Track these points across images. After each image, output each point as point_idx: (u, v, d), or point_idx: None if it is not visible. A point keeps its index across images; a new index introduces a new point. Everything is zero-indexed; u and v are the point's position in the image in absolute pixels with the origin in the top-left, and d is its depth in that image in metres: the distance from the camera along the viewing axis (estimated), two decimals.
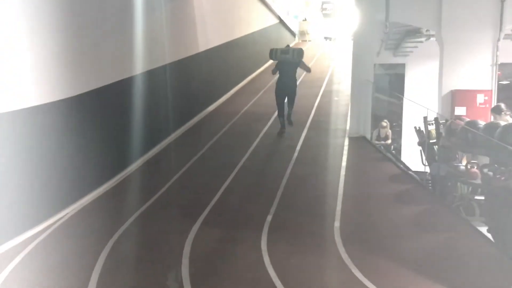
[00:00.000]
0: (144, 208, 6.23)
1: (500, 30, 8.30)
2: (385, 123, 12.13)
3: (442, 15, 8.54)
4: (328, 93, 13.35)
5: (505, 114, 6.91)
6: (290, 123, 9.56)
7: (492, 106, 8.41)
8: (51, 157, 5.73)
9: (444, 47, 8.64)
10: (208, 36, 11.46)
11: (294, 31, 26.51)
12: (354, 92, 9.33)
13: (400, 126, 14.88)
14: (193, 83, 10.60)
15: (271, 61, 18.86)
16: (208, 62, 11.44)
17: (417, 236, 5.36)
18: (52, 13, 5.62)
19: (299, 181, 7.17)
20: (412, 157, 9.76)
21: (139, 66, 7.81)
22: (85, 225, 5.77)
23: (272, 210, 6.10)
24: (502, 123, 6.80)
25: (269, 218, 5.86)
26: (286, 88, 9.35)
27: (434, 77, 13.36)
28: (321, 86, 14.24)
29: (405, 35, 11.10)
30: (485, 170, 6.43)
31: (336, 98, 12.67)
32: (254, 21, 16.57)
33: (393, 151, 12.32)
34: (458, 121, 7.04)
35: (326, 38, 30.76)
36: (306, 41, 27.72)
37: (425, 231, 5.50)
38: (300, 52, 9.33)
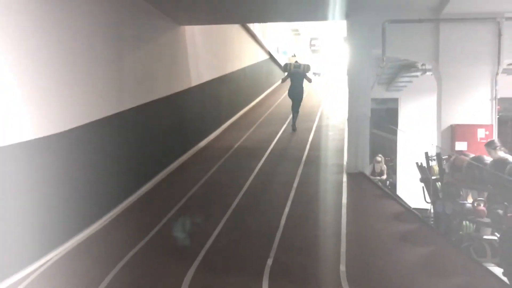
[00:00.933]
0: (135, 251, 5.79)
1: (498, 64, 8.21)
2: (379, 158, 11.93)
3: (439, 50, 8.46)
4: (321, 128, 13.12)
5: (499, 149, 6.85)
6: (295, 129, 12.53)
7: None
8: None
9: (442, 82, 8.50)
10: (200, 70, 11.27)
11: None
12: (351, 127, 9.10)
13: (394, 161, 14.76)
14: (185, 118, 10.31)
15: (262, 96, 18.97)
16: (200, 96, 11.20)
17: (430, 281, 5.00)
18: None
19: (299, 220, 6.80)
20: (410, 193, 9.51)
21: (128, 100, 7.52)
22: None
23: (272, 253, 5.72)
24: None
25: (270, 262, 5.47)
26: (296, 93, 12.65)
27: (429, 112, 13.38)
28: (314, 121, 14.02)
29: (399, 70, 11.02)
30: (496, 209, 6.16)
31: (330, 133, 12.43)
32: (245, 56, 16.52)
33: (389, 187, 12.06)
34: (462, 156, 6.79)
35: (314, 73, 31.08)
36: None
37: (438, 275, 5.14)
38: (308, 67, 12.75)
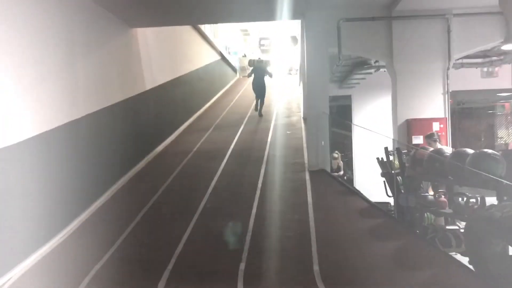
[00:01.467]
0: (99, 267, 5.50)
1: (449, 59, 8.51)
2: (336, 154, 12.08)
3: (393, 47, 8.67)
4: (279, 127, 13.14)
5: (435, 141, 7.64)
6: (261, 115, 14.57)
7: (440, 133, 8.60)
8: None
9: (397, 78, 8.72)
10: (154, 73, 10.97)
11: (235, 67, 26.53)
12: (310, 125, 9.17)
13: (349, 156, 15.04)
14: (140, 123, 10.00)
15: (216, 97, 18.81)
16: (154, 100, 10.91)
17: (402, 274, 5.08)
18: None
19: (267, 221, 6.74)
20: (367, 187, 9.66)
21: (81, 108, 7.16)
22: None
23: (244, 256, 5.61)
24: (447, 148, 7.16)
25: (242, 266, 5.37)
26: (259, 85, 14.71)
27: (383, 107, 13.73)
28: (270, 121, 14.03)
29: (353, 67, 11.21)
30: (459, 199, 6.37)
31: (288, 132, 12.47)
32: (198, 57, 16.30)
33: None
34: (422, 150, 6.96)
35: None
36: (247, 76, 27.80)
37: (409, 268, 5.25)
38: (268, 62, 15.43)
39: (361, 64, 10.98)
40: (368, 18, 8.57)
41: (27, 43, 5.77)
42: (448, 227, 6.57)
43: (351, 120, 14.38)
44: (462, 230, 6.33)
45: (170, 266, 5.42)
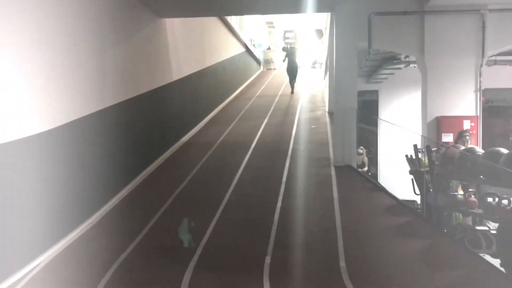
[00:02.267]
0: (125, 255, 5.57)
1: (483, 56, 8.29)
2: (361, 150, 11.96)
3: (424, 42, 8.48)
4: (303, 120, 13.07)
5: (467, 140, 7.42)
6: (292, 92, 17.78)
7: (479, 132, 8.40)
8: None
9: (427, 74, 8.53)
10: (181, 64, 11.01)
11: (259, 59, 26.46)
12: (337, 119, 9.05)
13: (374, 152, 14.85)
14: (167, 113, 10.06)
15: (240, 89, 18.80)
16: (181, 91, 10.96)
17: (430, 274, 4.98)
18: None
19: (293, 215, 6.71)
20: (392, 184, 9.51)
21: (111, 97, 7.23)
22: None
23: (269, 250, 5.60)
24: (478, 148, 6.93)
25: (268, 260, 5.35)
26: (292, 68, 17.94)
27: (411, 103, 13.53)
28: (295, 114, 13.97)
29: (382, 62, 11.03)
30: (489, 199, 6.21)
31: (313, 126, 12.39)
32: (224, 49, 16.29)
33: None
34: (453, 148, 6.82)
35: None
36: (271, 69, 27.73)
37: (438, 268, 5.13)
38: (298, 49, 20.13)
39: (390, 59, 10.78)
40: (400, 12, 8.39)
41: (60, 32, 5.82)
42: (477, 228, 6.42)
43: (377, 116, 14.18)
44: (492, 231, 6.18)
45: (196, 257, 5.44)
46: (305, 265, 5.27)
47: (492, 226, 6.46)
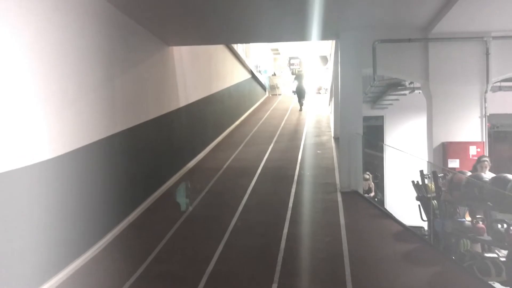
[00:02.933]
0: (133, 280, 5.55)
1: (487, 82, 8.35)
2: (367, 175, 11.92)
3: (429, 68, 8.57)
4: (309, 146, 13.11)
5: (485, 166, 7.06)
6: (301, 109, 20.35)
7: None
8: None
9: (432, 100, 8.59)
10: (188, 90, 11.15)
11: (265, 85, 26.71)
12: (343, 145, 9.08)
13: (380, 178, 14.80)
14: (173, 139, 10.14)
15: (245, 115, 18.92)
16: (188, 117, 11.07)
17: None
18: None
19: (299, 242, 6.67)
20: (398, 210, 9.46)
21: (118, 123, 7.32)
22: None
23: (276, 277, 5.56)
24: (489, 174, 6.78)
25: (275, 287, 5.32)
26: (301, 89, 20.51)
27: (416, 129, 13.57)
28: (300, 139, 14.02)
29: (387, 88, 11.12)
30: (498, 226, 6.17)
31: (319, 151, 12.41)
32: (229, 75, 16.49)
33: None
34: (460, 174, 6.80)
35: (294, 92, 31.42)
36: (276, 94, 27.97)
37: None
38: (304, 73, 22.47)
39: (395, 85, 10.88)
40: (404, 40, 8.51)
41: (71, 58, 5.95)
42: (486, 255, 6.35)
43: (383, 141, 14.20)
44: (502, 259, 6.11)
45: (202, 284, 5.41)
46: None
47: (501, 253, 6.41)
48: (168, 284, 5.59)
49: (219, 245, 6.58)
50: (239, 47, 18.00)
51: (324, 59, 34.01)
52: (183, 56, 10.86)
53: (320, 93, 31.22)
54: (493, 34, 8.30)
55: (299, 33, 9.10)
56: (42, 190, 5.25)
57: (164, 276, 5.79)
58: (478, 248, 6.87)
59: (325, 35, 9.65)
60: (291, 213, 7.80)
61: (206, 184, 9.73)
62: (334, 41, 13.12)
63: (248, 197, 8.74)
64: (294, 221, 7.48)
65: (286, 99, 25.22)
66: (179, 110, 10.41)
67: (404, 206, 9.07)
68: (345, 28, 8.79)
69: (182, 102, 10.70)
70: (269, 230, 7.21)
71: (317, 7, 7.64)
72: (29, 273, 5.01)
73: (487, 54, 8.34)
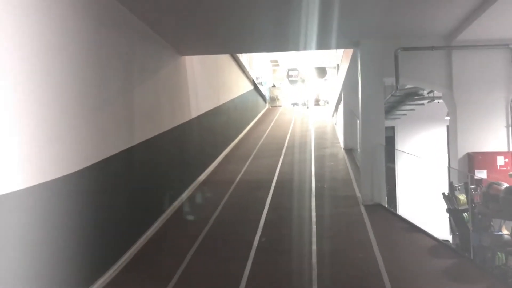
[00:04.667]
0: None
1: None
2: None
3: (453, 77, 8.35)
4: (320, 158, 12.82)
5: None
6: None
7: None
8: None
9: (456, 109, 8.35)
10: (199, 101, 10.86)
11: (266, 97, 26.50)
12: (365, 157, 8.79)
13: (390, 190, 14.50)
14: (186, 151, 9.80)
15: (249, 126, 18.60)
16: (199, 128, 10.74)
17: None
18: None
19: (332, 259, 6.32)
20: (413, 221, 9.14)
21: (136, 135, 6.99)
22: None
23: None
24: None
25: None
26: None
27: (429, 140, 13.36)
28: (310, 151, 13.74)
29: (404, 98, 10.89)
30: None
31: (331, 163, 12.12)
32: (235, 87, 16.24)
33: None
34: (496, 185, 6.52)
35: (293, 104, 31.42)
36: (276, 106, 27.77)
37: None
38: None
39: (412, 95, 10.65)
40: (427, 48, 8.29)
41: (92, 68, 5.62)
42: None
43: (394, 152, 13.93)
44: None
45: None
46: None
47: None
48: None
49: (245, 266, 6.17)
50: (243, 58, 17.78)
51: (322, 70, 33.97)
52: (194, 66, 10.57)
53: (319, 105, 31.11)
54: None
55: (319, 41, 8.82)
56: (56, 207, 4.88)
57: None
58: None
59: (344, 44, 9.45)
60: (317, 228, 7.45)
61: (221, 198, 9.35)
62: (343, 51, 12.89)
63: (267, 212, 8.39)
64: (321, 236, 7.14)
65: (286, 111, 25.02)
66: (191, 121, 10.10)
67: (418, 216, 8.71)
68: (365, 36, 8.57)
69: (194, 113, 10.39)
70: (297, 246, 6.86)
71: (336, 16, 7.40)
72: None
73: None
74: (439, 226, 8.42)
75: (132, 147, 6.82)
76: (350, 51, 10.51)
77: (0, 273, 3.84)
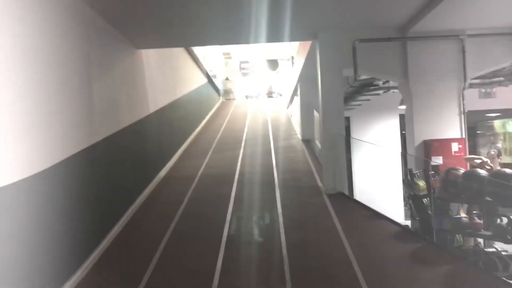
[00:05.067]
0: None
1: (465, 80, 8.50)
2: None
3: (408, 68, 8.61)
4: (279, 150, 12.91)
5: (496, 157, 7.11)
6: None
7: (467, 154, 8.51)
8: None
9: (412, 98, 8.63)
10: (156, 96, 10.61)
11: (220, 90, 26.32)
12: (326, 147, 8.93)
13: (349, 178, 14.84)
14: (145, 147, 9.56)
15: (205, 120, 18.44)
16: (156, 124, 10.51)
17: None
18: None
19: (301, 249, 6.40)
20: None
21: (97, 132, 6.74)
22: None
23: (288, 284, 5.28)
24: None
25: None
26: None
27: (385, 129, 13.79)
28: (269, 143, 13.80)
29: (361, 88, 11.13)
30: (496, 221, 6.22)
31: (292, 155, 12.24)
32: (190, 80, 16.01)
33: None
34: (455, 171, 6.81)
35: (247, 96, 31.52)
36: (231, 99, 27.66)
37: None
38: None
39: (368, 85, 10.90)
40: (384, 39, 8.50)
41: (51, 65, 5.35)
42: (487, 250, 6.40)
43: (349, 141, 14.25)
44: (503, 253, 6.17)
45: None
46: None
47: (500, 247, 6.47)
48: None
49: (217, 258, 6.15)
50: (197, 51, 17.52)
51: (274, 63, 34.20)
52: (150, 60, 10.30)
53: (272, 97, 31.34)
54: (468, 32, 8.46)
55: (276, 34, 8.83)
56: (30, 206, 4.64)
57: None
58: (471, 243, 6.94)
59: (302, 36, 9.52)
60: (283, 220, 7.50)
61: (184, 193, 9.22)
62: (299, 43, 12.99)
63: (233, 206, 8.34)
64: (289, 226, 7.21)
65: (241, 104, 24.98)
66: (149, 116, 9.85)
67: (376, 204, 8.91)
68: (324, 28, 8.66)
69: (152, 108, 10.15)
70: (266, 238, 6.89)
71: (294, 8, 7.44)
72: None
73: (463, 51, 8.48)
74: (394, 213, 8.64)
75: (93, 145, 6.57)
76: (307, 43, 10.59)
77: None
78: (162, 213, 8.20)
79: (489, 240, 6.45)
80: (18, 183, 4.39)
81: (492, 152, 7.10)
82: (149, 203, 8.81)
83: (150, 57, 10.30)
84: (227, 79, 29.88)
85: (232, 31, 8.84)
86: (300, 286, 5.35)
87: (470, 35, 8.47)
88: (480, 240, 6.90)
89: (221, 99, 27.05)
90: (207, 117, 19.64)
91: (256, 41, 9.42)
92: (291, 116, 19.10)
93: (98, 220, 6.64)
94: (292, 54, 18.82)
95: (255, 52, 30.47)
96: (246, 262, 6.12)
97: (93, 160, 6.52)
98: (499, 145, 7.22)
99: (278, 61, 32.85)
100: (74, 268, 5.66)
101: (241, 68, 34.14)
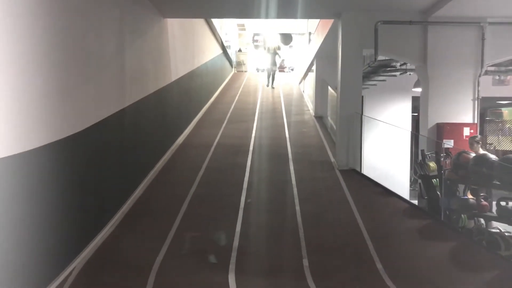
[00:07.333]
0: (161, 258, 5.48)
1: (482, 66, 8.71)
2: None
3: (427, 52, 8.81)
4: (292, 124, 13.21)
5: (478, 142, 7.53)
6: (273, 88, 19.93)
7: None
8: None
9: (429, 82, 8.87)
10: (178, 65, 10.88)
11: (233, 61, 26.43)
12: (342, 124, 9.22)
13: None
14: (166, 114, 9.89)
15: (219, 90, 18.68)
16: (177, 92, 10.81)
17: (465, 276, 5.23)
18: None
19: (315, 220, 6.79)
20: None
21: (126, 98, 7.06)
22: None
23: (304, 253, 5.68)
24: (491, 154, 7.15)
25: (306, 262, 5.43)
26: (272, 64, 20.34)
27: (396, 110, 14.02)
28: (282, 117, 14.09)
29: (377, 69, 11.34)
30: (503, 204, 6.56)
31: (304, 130, 12.55)
32: (208, 50, 16.18)
33: None
34: (466, 154, 7.13)
35: (258, 69, 31.54)
36: (243, 71, 27.79)
37: (469, 270, 5.40)
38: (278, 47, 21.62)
39: (385, 66, 11.11)
40: (406, 22, 8.69)
41: (85, 33, 5.63)
42: (491, 230, 6.76)
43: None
44: (506, 233, 6.53)
45: (232, 266, 5.37)
46: (342, 269, 5.37)
47: (503, 228, 6.83)
48: (194, 262, 5.53)
49: (235, 223, 6.56)
50: (215, 21, 17.62)
51: (287, 37, 34.06)
52: (174, 29, 10.53)
53: (284, 71, 31.37)
54: (489, 20, 8.62)
55: (300, 10, 8.99)
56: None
57: (191, 254, 5.74)
58: (472, 224, 7.31)
59: (324, 14, 9.68)
60: (297, 192, 7.87)
61: (202, 161, 9.58)
62: (319, 20, 13.09)
63: (249, 175, 8.71)
64: (303, 199, 7.57)
65: (253, 76, 25.12)
66: (171, 84, 10.14)
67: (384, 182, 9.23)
68: (347, 8, 8.84)
69: (173, 77, 10.43)
70: (281, 207, 7.28)
71: None
72: None
73: (483, 39, 8.67)
74: (400, 193, 8.92)
75: (123, 109, 6.90)
76: (328, 22, 10.74)
77: None
78: (182, 178, 8.58)
79: (495, 221, 6.81)
80: (62, 140, 4.74)
81: (478, 138, 7.55)
82: (170, 167, 9.21)
83: (174, 26, 10.52)
84: (240, 50, 29.94)
85: (256, 5, 9.02)
86: (314, 250, 5.74)
87: (491, 23, 8.64)
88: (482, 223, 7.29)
89: (234, 70, 27.18)
90: (220, 88, 19.87)
91: (279, 16, 9.61)
92: (303, 92, 19.29)
93: (122, 182, 7.03)
94: (309, 30, 18.86)
95: (269, 25, 30.39)
96: (261, 226, 6.53)
97: (122, 123, 6.87)
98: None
99: (292, 35, 32.73)
100: (104, 223, 6.10)
101: (254, 40, 34.08)
